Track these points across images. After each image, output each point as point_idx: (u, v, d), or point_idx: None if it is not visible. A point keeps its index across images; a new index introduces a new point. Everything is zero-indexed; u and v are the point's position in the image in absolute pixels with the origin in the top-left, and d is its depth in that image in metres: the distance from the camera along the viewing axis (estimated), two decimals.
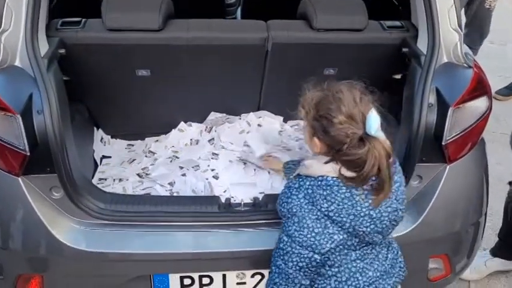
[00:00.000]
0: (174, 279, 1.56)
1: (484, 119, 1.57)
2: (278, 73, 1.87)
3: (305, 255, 1.25)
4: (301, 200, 1.26)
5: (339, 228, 1.25)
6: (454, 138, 1.53)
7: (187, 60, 1.76)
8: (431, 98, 1.51)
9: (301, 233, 1.24)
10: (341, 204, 1.22)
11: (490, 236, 2.37)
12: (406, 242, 1.58)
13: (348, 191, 1.22)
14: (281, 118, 2.11)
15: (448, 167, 1.58)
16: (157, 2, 1.64)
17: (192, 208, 1.55)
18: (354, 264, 1.30)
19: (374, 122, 1.15)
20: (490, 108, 1.58)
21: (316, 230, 1.24)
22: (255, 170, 1.84)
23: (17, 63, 1.45)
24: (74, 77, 1.70)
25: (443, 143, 1.52)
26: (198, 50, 1.71)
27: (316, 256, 1.25)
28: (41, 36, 1.49)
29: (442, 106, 1.50)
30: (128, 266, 1.53)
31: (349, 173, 1.20)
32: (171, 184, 1.80)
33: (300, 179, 1.28)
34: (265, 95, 2.00)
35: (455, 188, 1.60)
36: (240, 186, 1.74)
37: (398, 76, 1.92)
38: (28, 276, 1.54)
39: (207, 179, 1.76)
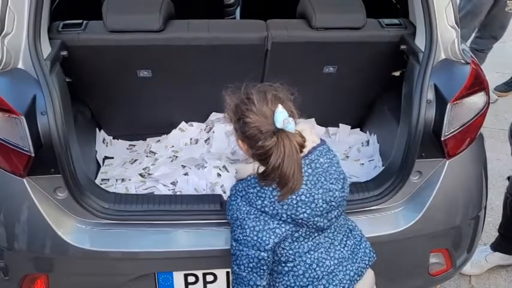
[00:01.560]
0: (178, 277, 1.57)
1: (482, 114, 1.59)
2: (278, 72, 1.87)
3: (252, 255, 1.28)
4: (239, 204, 1.32)
5: (279, 221, 1.28)
6: (452, 134, 1.55)
7: (188, 60, 1.78)
8: (430, 95, 1.53)
9: (245, 234, 1.29)
10: (271, 196, 1.27)
11: (491, 230, 2.39)
12: (407, 236, 1.60)
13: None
14: None
15: (447, 162, 1.60)
16: (157, 3, 1.66)
17: (195, 206, 1.57)
18: (309, 256, 1.33)
19: (279, 116, 1.20)
20: (487, 104, 1.60)
21: (257, 228, 1.28)
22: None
23: (20, 65, 1.47)
24: (76, 79, 1.72)
25: (442, 139, 1.53)
26: (199, 50, 1.73)
27: (263, 254, 1.28)
28: (43, 39, 1.51)
29: (441, 102, 1.52)
30: (133, 265, 1.55)
31: (261, 169, 1.26)
32: (173, 183, 1.82)
33: (236, 185, 1.36)
34: None
35: (454, 183, 1.62)
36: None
37: (397, 73, 1.94)
38: (33, 277, 1.55)
39: (208, 176, 1.78)
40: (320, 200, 1.29)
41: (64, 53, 1.59)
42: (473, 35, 3.53)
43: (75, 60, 1.66)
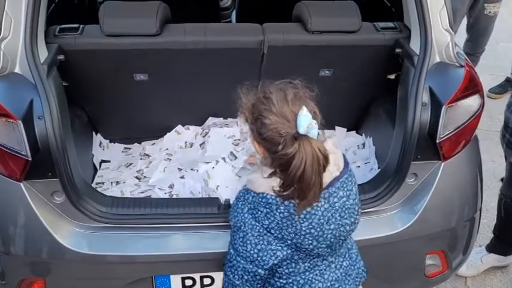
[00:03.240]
0: (175, 280, 1.57)
1: (476, 116, 1.61)
2: (274, 75, 1.88)
3: (249, 270, 1.24)
4: (246, 215, 1.24)
5: (282, 244, 1.23)
6: (447, 136, 1.56)
7: (185, 64, 1.78)
8: (425, 97, 1.54)
9: (245, 248, 1.23)
10: (280, 223, 1.20)
11: (486, 232, 2.41)
12: (403, 239, 1.61)
13: (286, 210, 1.19)
14: None
15: (442, 164, 1.61)
16: (154, 7, 1.67)
17: (192, 210, 1.57)
18: (303, 276, 1.29)
19: (303, 120, 1.10)
20: (482, 106, 1.62)
21: (259, 247, 1.22)
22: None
23: (17, 70, 1.47)
24: (73, 83, 1.72)
25: (437, 141, 1.55)
26: (195, 53, 1.74)
27: (260, 271, 1.24)
28: (40, 43, 1.51)
29: (436, 105, 1.53)
30: (130, 269, 1.55)
31: (279, 181, 1.17)
32: (170, 186, 1.83)
33: (246, 192, 1.27)
34: None
35: (450, 185, 1.64)
36: (229, 188, 1.77)
37: (392, 76, 1.95)
38: (30, 281, 1.55)
39: (204, 180, 1.78)
40: (330, 235, 1.24)
41: (61, 57, 1.60)
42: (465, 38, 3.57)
43: (72, 64, 1.66)
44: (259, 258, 1.23)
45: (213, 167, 1.86)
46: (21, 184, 1.45)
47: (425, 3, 1.58)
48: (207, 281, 1.59)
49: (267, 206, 1.20)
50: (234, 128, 2.07)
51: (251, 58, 1.80)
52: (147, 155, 2.03)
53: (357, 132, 2.19)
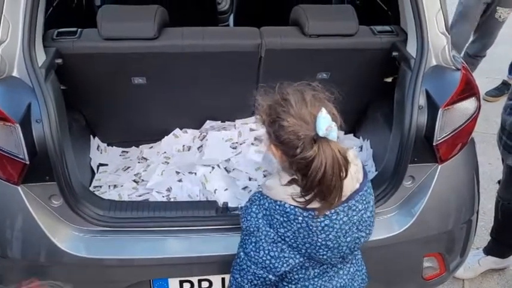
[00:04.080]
0: (173, 284, 1.57)
1: (473, 119, 1.61)
2: (272, 78, 1.88)
3: (260, 275, 1.23)
4: (260, 221, 1.21)
5: (295, 253, 1.21)
6: (444, 139, 1.57)
7: (183, 67, 1.79)
8: (422, 100, 1.55)
9: (257, 254, 1.21)
10: (296, 232, 1.18)
11: (483, 234, 2.41)
12: (400, 241, 1.61)
13: (304, 221, 1.17)
14: None
15: (439, 167, 1.62)
16: (152, 11, 1.68)
17: (190, 213, 1.57)
18: (312, 282, 1.28)
19: (322, 122, 1.06)
20: (478, 109, 1.63)
21: (271, 254, 1.20)
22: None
23: (15, 73, 1.47)
24: (70, 86, 1.72)
25: (434, 144, 1.55)
26: (193, 57, 1.74)
27: (271, 277, 1.23)
28: (38, 47, 1.52)
29: (432, 108, 1.54)
30: (128, 272, 1.55)
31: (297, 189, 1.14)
32: (168, 190, 1.83)
33: (262, 196, 1.23)
34: None
35: (447, 187, 1.64)
36: (227, 191, 1.77)
37: (389, 79, 1.96)
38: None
39: (202, 183, 1.79)
40: (345, 247, 1.23)
41: (59, 60, 1.60)
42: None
43: (70, 68, 1.66)
44: (271, 265, 1.21)
45: (210, 172, 1.86)
46: (19, 188, 1.45)
47: (421, 7, 1.59)
48: (205, 284, 1.59)
49: (284, 215, 1.17)
50: (232, 131, 2.08)
51: (249, 61, 1.80)
52: (144, 158, 2.03)
53: (355, 135, 2.20)
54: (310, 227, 1.17)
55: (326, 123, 1.07)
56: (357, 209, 1.21)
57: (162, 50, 1.70)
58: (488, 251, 2.28)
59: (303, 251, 1.21)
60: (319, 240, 1.18)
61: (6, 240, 1.49)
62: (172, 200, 1.78)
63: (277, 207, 1.18)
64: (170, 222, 1.55)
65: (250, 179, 1.90)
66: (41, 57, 1.52)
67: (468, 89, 1.60)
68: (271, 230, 1.20)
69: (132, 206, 1.59)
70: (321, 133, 1.07)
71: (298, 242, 1.19)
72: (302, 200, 1.14)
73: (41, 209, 1.47)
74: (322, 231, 1.18)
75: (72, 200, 1.48)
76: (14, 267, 1.54)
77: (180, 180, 1.85)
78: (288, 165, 1.16)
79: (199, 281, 1.58)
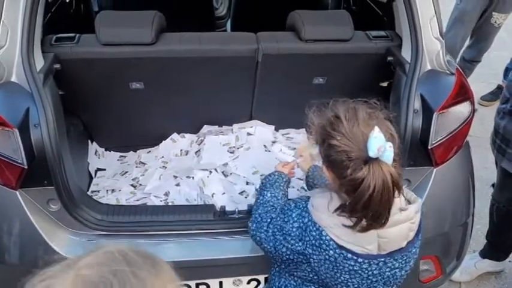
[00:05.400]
0: None
1: (467, 123, 1.63)
2: (269, 83, 1.92)
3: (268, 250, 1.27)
4: (294, 229, 1.17)
5: (313, 273, 1.19)
6: (439, 142, 1.58)
7: (180, 72, 1.80)
8: (417, 104, 1.57)
9: (280, 249, 1.21)
10: (322, 261, 1.14)
11: (480, 238, 2.42)
12: None
13: (334, 256, 1.12)
14: (273, 127, 2.16)
15: (434, 170, 1.63)
16: (149, 16, 1.69)
17: (187, 217, 1.58)
18: None
19: (374, 142, 0.99)
20: (472, 113, 1.65)
21: (289, 251, 1.19)
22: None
23: (14, 78, 1.48)
24: (69, 91, 1.73)
25: (429, 147, 1.57)
26: (191, 62, 1.76)
27: (276, 254, 1.25)
28: (37, 52, 1.53)
29: (427, 111, 1.56)
30: None
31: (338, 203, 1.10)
32: (166, 194, 1.84)
33: (306, 209, 1.17)
34: (256, 104, 2.05)
35: (442, 190, 1.66)
36: (224, 195, 1.78)
37: (385, 84, 1.98)
38: None
39: (200, 187, 1.80)
40: None
41: (57, 66, 1.61)
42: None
43: (68, 73, 1.67)
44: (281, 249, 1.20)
45: (208, 176, 1.87)
46: (17, 192, 1.45)
47: (416, 13, 1.61)
48: None
49: (318, 243, 1.13)
50: (229, 136, 2.09)
51: (246, 66, 1.82)
52: (142, 163, 2.04)
53: None
54: (338, 264, 1.13)
55: (378, 143, 0.99)
56: (393, 267, 1.15)
57: (160, 55, 1.71)
58: (485, 254, 2.29)
59: (322, 276, 1.17)
60: (342, 278, 1.15)
61: (4, 245, 1.49)
62: (170, 204, 1.78)
63: (315, 230, 1.13)
64: (168, 226, 1.55)
65: (247, 183, 1.91)
66: (39, 62, 1.53)
67: (462, 93, 1.62)
68: (300, 244, 1.16)
69: (130, 210, 1.59)
70: (372, 154, 0.99)
71: (320, 268, 1.16)
72: (348, 224, 1.07)
73: (39, 213, 1.48)
74: (347, 273, 1.14)
75: (70, 205, 1.48)
76: (12, 273, 1.53)
77: (177, 185, 1.85)
78: (337, 187, 1.10)
79: (197, 285, 1.59)
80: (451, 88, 1.60)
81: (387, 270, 1.15)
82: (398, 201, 1.11)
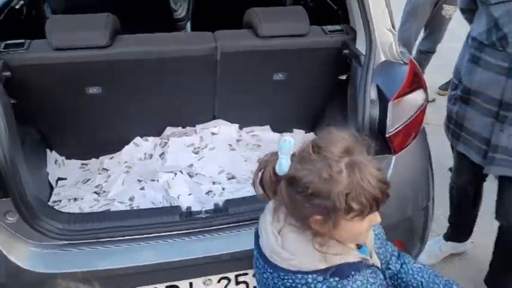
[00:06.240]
0: None
1: (422, 110, 1.69)
2: (229, 81, 1.92)
3: None
4: None
5: None
6: (396, 130, 1.63)
7: (139, 74, 1.78)
8: (373, 94, 1.61)
9: None
10: None
11: (442, 222, 2.51)
12: None
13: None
14: (237, 126, 2.16)
15: (393, 157, 1.67)
16: (102, 19, 1.66)
17: (153, 220, 1.56)
18: None
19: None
20: (426, 100, 1.70)
21: None
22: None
23: None
24: (22, 99, 1.68)
25: (387, 135, 1.61)
26: (149, 64, 1.74)
27: None
28: None
29: (383, 101, 1.60)
30: (92, 284, 1.51)
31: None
32: (131, 199, 1.80)
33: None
34: (219, 104, 2.05)
35: (402, 176, 1.70)
36: (191, 196, 1.77)
37: (343, 77, 2.02)
38: None
39: (165, 189, 1.78)
40: None
41: (7, 73, 1.56)
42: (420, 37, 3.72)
43: (20, 81, 1.62)
44: None
45: (173, 178, 1.86)
46: None
47: (367, 6, 1.65)
48: None
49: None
50: (193, 137, 2.08)
51: (205, 66, 1.81)
52: (105, 169, 1.99)
53: (315, 134, 2.25)
54: None
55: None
56: None
57: (116, 58, 1.68)
58: (448, 236, 2.38)
59: None
60: None
61: None
62: (135, 208, 1.75)
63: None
64: (133, 231, 1.52)
65: (214, 183, 1.90)
66: None
67: (416, 82, 1.67)
68: None
69: (92, 217, 1.56)
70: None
71: None
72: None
73: None
74: None
75: (29, 215, 1.43)
76: None
77: (142, 188, 1.83)
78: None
79: None
80: (404, 77, 1.65)
81: None
82: None
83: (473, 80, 1.87)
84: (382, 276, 1.06)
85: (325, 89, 2.08)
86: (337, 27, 1.88)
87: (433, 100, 3.74)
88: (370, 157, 0.97)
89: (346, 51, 1.80)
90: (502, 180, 1.93)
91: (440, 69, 4.13)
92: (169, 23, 2.68)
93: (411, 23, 3.53)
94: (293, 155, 0.96)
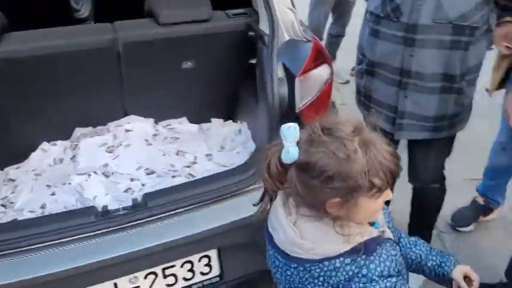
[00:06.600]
0: None
1: (328, 84, 1.75)
2: (137, 73, 1.86)
3: None
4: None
5: None
6: (306, 105, 1.68)
7: (34, 73, 1.66)
8: (280, 73, 1.64)
9: None
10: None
11: None
12: None
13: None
14: (152, 120, 2.10)
15: None
16: None
17: (66, 223, 1.47)
18: None
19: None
20: (332, 74, 1.77)
21: None
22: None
23: None
24: None
25: (297, 111, 1.65)
26: (42, 61, 1.63)
27: None
28: None
29: (290, 78, 1.64)
30: None
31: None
32: (42, 207, 1.69)
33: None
34: (129, 98, 1.98)
35: None
36: (108, 196, 1.70)
37: (253, 61, 2.04)
38: None
39: (78, 192, 1.68)
40: None
41: None
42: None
43: None
44: None
45: (87, 180, 1.76)
46: None
47: None
48: None
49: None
50: (106, 136, 1.99)
51: (107, 59, 1.74)
52: (11, 179, 1.85)
53: (234, 121, 2.25)
54: None
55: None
56: None
57: (6, 56, 1.56)
58: None
59: None
60: None
61: None
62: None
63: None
64: (44, 238, 1.42)
65: (132, 180, 1.83)
66: None
67: (320, 57, 1.73)
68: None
69: None
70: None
71: None
72: None
73: None
74: None
75: None
76: None
77: (53, 194, 1.72)
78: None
79: None
80: (308, 53, 1.70)
81: None
82: None
83: (375, 52, 1.97)
84: (399, 249, 1.07)
85: (237, 74, 2.09)
86: (241, 10, 1.89)
87: (348, 82, 3.91)
88: (376, 133, 0.95)
89: (251, 33, 1.82)
90: (411, 144, 2.05)
91: (352, 52, 4.30)
92: (71, 24, 2.54)
93: (319, 9, 3.66)
94: (298, 142, 0.93)
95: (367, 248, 0.95)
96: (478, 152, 2.47)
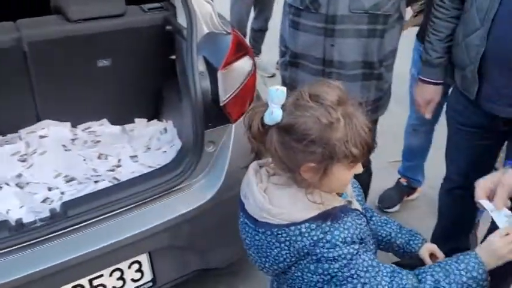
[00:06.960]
0: None
1: (251, 76, 1.74)
2: (47, 74, 1.73)
3: None
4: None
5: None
6: (230, 98, 1.65)
7: None
8: (201, 67, 1.60)
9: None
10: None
11: None
12: (216, 204, 1.66)
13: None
14: (69, 124, 1.97)
15: (233, 126, 1.70)
16: None
17: None
18: None
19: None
20: (254, 66, 1.76)
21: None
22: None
23: None
24: None
25: (221, 104, 1.62)
26: None
27: None
28: None
29: (212, 71, 1.61)
30: None
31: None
32: None
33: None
34: (42, 102, 1.83)
35: (246, 144, 1.74)
36: (23, 208, 1.58)
37: (174, 56, 1.98)
38: None
39: None
40: None
41: None
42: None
43: None
44: None
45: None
46: None
47: None
48: None
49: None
50: (17, 144, 1.84)
51: (13, 60, 1.60)
52: None
53: (158, 120, 2.18)
54: None
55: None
56: None
57: None
58: None
59: None
60: None
61: None
62: None
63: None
64: None
65: (50, 189, 1.71)
66: None
67: (241, 49, 1.72)
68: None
69: None
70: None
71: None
72: None
73: None
74: None
75: None
76: None
77: None
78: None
79: None
80: (228, 46, 1.67)
81: None
82: None
83: (297, 44, 1.99)
84: (365, 220, 1.11)
85: (158, 71, 2.02)
86: (156, 4, 1.83)
87: (273, 75, 3.95)
88: (357, 106, 0.99)
89: (168, 27, 1.76)
90: None
91: (276, 45, 4.36)
92: None
93: (240, 4, 3.66)
94: (283, 105, 0.96)
95: (333, 215, 0.99)
96: (399, 134, 2.60)
